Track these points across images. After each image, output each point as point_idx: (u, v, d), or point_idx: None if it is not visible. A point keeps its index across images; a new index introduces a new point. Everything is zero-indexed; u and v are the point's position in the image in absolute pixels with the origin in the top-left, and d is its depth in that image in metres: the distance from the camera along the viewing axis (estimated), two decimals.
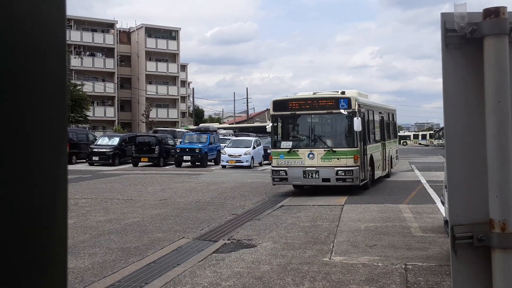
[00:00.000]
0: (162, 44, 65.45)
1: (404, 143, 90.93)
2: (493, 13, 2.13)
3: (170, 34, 67.29)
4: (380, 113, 20.01)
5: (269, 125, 17.61)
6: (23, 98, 0.72)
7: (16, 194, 0.71)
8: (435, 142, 77.36)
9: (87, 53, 61.09)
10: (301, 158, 15.71)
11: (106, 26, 63.90)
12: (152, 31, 66.00)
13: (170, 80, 66.80)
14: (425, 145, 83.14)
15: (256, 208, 13.45)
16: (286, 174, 15.85)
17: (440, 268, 7.23)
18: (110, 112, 61.54)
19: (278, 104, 16.50)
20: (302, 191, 17.05)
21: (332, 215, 11.89)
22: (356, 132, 15.14)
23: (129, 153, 31.80)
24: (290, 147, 15.92)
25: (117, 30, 64.43)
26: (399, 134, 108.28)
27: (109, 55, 62.34)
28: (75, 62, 53.98)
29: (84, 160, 32.60)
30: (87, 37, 60.96)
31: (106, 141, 32.68)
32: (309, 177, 15.58)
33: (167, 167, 30.51)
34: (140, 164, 31.20)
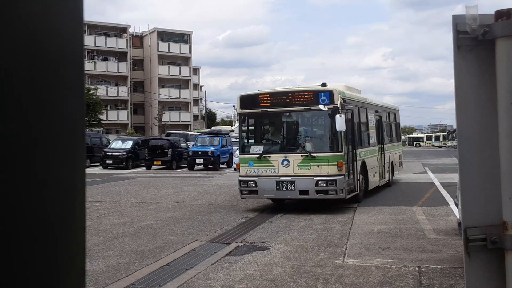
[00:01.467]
0: (174, 48, 65.74)
1: (417, 145, 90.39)
2: (505, 14, 2.13)
3: (182, 37, 67.58)
4: (377, 112, 17.26)
5: (235, 126, 15.46)
6: (42, 104, 0.74)
7: (35, 199, 0.73)
8: (449, 143, 76.75)
9: (101, 57, 61.56)
10: (273, 166, 12.85)
11: (119, 31, 64.37)
12: (165, 35, 66.33)
13: (182, 83, 67.06)
14: (439, 147, 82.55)
15: (268, 210, 13.45)
16: (256, 186, 12.93)
17: (454, 271, 7.18)
18: (124, 116, 61.92)
19: (247, 100, 13.63)
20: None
21: (345, 218, 11.85)
22: (340, 133, 12.40)
23: (142, 156, 31.98)
24: (261, 152, 13.03)
25: (130, 34, 64.87)
26: (412, 135, 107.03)
27: (122, 59, 62.77)
28: (88, 66, 54.43)
29: (98, 164, 32.84)
30: (100, 42, 61.47)
31: (120, 145, 32.90)
32: (284, 188, 12.67)
33: (180, 170, 30.62)
34: (153, 167, 31.36)
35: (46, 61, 0.74)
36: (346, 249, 8.70)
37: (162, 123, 52.13)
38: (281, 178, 12.73)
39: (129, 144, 32.67)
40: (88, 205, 14.48)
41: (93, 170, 30.06)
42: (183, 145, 33.88)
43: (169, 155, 31.15)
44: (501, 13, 2.15)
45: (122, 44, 63.05)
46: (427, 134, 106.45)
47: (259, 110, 13.34)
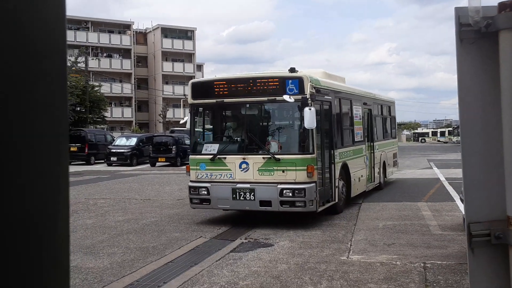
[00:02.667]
0: (178, 44, 65.76)
1: (423, 140, 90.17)
2: (509, 6, 2.09)
3: (186, 34, 67.57)
4: (365, 104, 14.82)
5: (185, 119, 12.21)
6: (23, 100, 0.72)
7: (17, 197, 0.71)
8: (454, 139, 76.55)
9: (104, 54, 61.65)
10: (230, 170, 10.58)
11: (122, 28, 64.41)
12: (168, 32, 66.34)
13: (186, 80, 66.96)
14: (444, 142, 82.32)
15: None
16: (208, 194, 10.71)
17: (459, 267, 7.15)
18: (128, 113, 62.01)
19: (199, 88, 11.32)
20: None
21: (349, 214, 11.82)
22: (312, 130, 10.10)
23: (146, 153, 32.03)
24: (215, 152, 10.73)
25: (133, 31, 64.90)
26: (417, 131, 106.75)
27: (126, 56, 62.84)
28: (92, 63, 54.46)
29: (103, 161, 32.91)
30: (104, 39, 61.52)
31: (124, 142, 32.96)
32: (241, 198, 10.38)
33: (184, 167, 30.61)
34: (158, 164, 31.39)
35: (25, 54, 0.72)
36: (351, 245, 8.67)
37: (166, 120, 52.17)
38: (239, 185, 10.41)
39: (133, 141, 32.73)
40: (93, 202, 14.55)
41: (98, 167, 30.13)
42: (187, 141, 33.88)
43: (173, 152, 31.19)
44: (504, 4, 2.11)
45: (126, 41, 63.10)
46: (432, 130, 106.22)
47: (213, 101, 10.94)
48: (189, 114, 11.76)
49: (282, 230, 10.01)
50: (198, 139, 11.76)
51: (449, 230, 9.66)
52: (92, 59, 54.63)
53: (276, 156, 10.23)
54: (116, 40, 62.55)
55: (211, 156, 10.73)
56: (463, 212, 9.51)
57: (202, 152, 11.01)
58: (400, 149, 51.28)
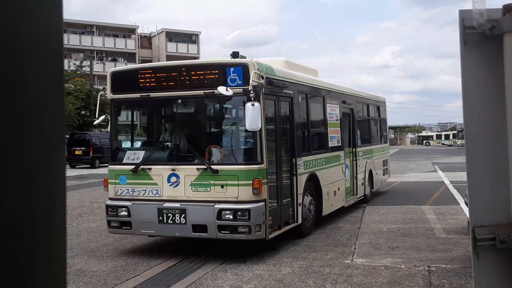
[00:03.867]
0: (182, 48, 65.91)
1: (427, 144, 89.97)
2: None
3: (191, 38, 67.73)
4: (345, 102, 12.35)
5: (100, 119, 10.34)
6: (19, 102, 0.72)
7: (13, 198, 0.71)
8: (459, 142, 76.33)
9: (109, 58, 61.85)
10: (156, 184, 8.32)
11: (127, 32, 64.65)
12: (173, 35, 66.52)
13: None
14: (449, 145, 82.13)
15: None
16: (129, 215, 8.41)
17: (464, 270, 7.11)
18: None
19: (121, 79, 9.04)
20: None
21: (354, 217, 11.79)
22: (259, 133, 7.86)
23: None
24: (138, 162, 8.53)
25: (138, 35, 65.12)
26: (421, 134, 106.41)
27: (131, 60, 63.02)
28: (97, 67, 54.65)
29: (108, 164, 32.91)
30: (109, 43, 61.76)
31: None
32: (169, 221, 8.11)
33: None
34: None
35: (20, 54, 0.72)
36: (355, 248, 8.65)
37: None
38: (166, 205, 8.15)
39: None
40: (97, 205, 14.56)
41: (103, 171, 30.15)
42: None
43: None
44: (509, 7, 2.10)
45: (130, 44, 63.32)
46: (436, 133, 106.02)
47: (138, 95, 8.64)
48: (109, 112, 9.40)
49: (285, 233, 9.98)
50: (120, 145, 9.69)
51: (453, 234, 9.62)
52: (97, 63, 54.85)
53: (213, 167, 7.88)
54: (121, 44, 62.78)
55: (133, 167, 8.41)
56: (468, 216, 9.45)
57: (124, 162, 8.72)
58: (404, 152, 51.03)
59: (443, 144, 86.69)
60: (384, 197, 15.19)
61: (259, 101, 7.66)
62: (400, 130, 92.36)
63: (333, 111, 11.58)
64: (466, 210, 10.73)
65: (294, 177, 9.00)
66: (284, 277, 7.00)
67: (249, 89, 7.61)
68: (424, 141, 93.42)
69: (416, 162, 35.16)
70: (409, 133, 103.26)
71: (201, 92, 8.14)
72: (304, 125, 10.04)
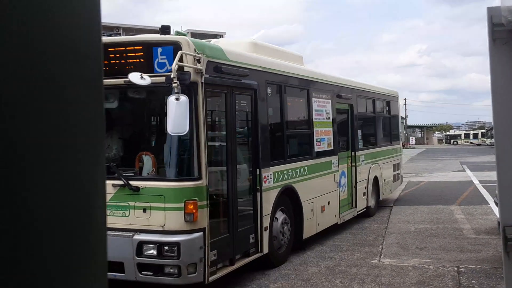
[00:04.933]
0: None
1: (455, 143, 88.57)
2: None
3: (215, 38, 68.11)
4: (340, 97, 10.24)
5: None
6: (61, 103, 0.75)
7: (54, 197, 0.75)
8: (488, 141, 74.93)
9: None
10: None
11: (153, 33, 65.29)
12: (198, 36, 66.81)
13: None
14: (477, 144, 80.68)
15: None
16: None
17: (494, 271, 7.00)
18: None
19: None
20: None
21: (380, 217, 11.70)
22: (197, 136, 5.89)
23: None
24: None
25: None
26: (449, 133, 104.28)
27: None
28: None
29: None
30: None
31: None
32: None
33: None
34: None
35: (62, 57, 0.75)
36: (382, 248, 8.59)
37: None
38: None
39: None
40: None
41: None
42: None
43: None
44: None
45: None
46: (464, 132, 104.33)
47: None
48: None
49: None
50: None
51: (483, 234, 9.47)
52: None
53: (132, 182, 5.94)
54: None
55: None
56: (498, 216, 9.33)
57: None
58: (431, 151, 50.35)
59: (471, 143, 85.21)
60: (411, 197, 15.02)
61: (190, 94, 5.68)
62: (427, 129, 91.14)
63: (322, 108, 9.40)
64: (496, 210, 10.55)
65: (258, 194, 6.96)
66: (310, 277, 7.00)
67: (172, 76, 5.48)
68: (452, 140, 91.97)
69: (444, 161, 34.67)
70: (436, 132, 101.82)
71: (121, 81, 5.93)
72: (275, 126, 8.03)
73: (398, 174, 14.46)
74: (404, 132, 78.83)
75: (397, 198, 14.67)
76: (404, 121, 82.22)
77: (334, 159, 9.73)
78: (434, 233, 9.65)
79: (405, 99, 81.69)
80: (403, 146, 57.59)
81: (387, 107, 13.96)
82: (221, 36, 69.98)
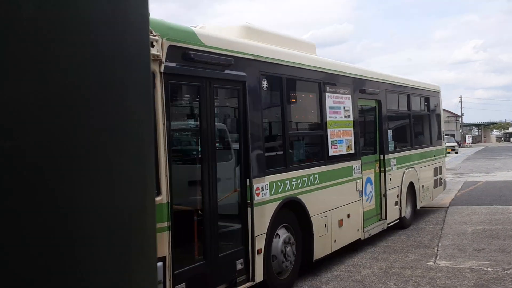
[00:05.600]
0: None
1: None
2: None
3: None
4: (363, 91, 8.92)
5: None
6: (111, 105, 0.79)
7: (106, 197, 0.78)
8: None
9: None
10: None
11: None
12: None
13: None
14: None
15: None
16: None
17: None
18: None
19: None
20: None
21: (436, 218, 11.41)
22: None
23: None
24: None
25: None
26: (508, 131, 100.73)
27: None
28: None
29: None
30: None
31: None
32: None
33: None
34: None
35: (115, 63, 0.79)
36: (437, 250, 8.37)
37: None
38: None
39: None
40: None
41: None
42: None
43: None
44: None
45: None
46: None
47: None
48: None
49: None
50: None
51: None
52: None
53: None
54: None
55: None
56: None
57: None
58: (489, 150, 48.76)
59: None
60: (468, 198, 14.56)
61: None
62: (485, 127, 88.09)
63: (340, 104, 8.06)
64: None
65: (248, 209, 5.72)
66: (363, 278, 6.91)
67: None
68: (511, 138, 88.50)
69: (503, 160, 33.40)
70: (494, 130, 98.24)
71: None
72: (274, 127, 6.96)
73: (440, 178, 12.89)
74: (460, 131, 76.56)
75: (453, 199, 14.26)
76: (460, 119, 79.84)
77: (355, 164, 8.35)
78: (493, 235, 9.32)
79: (460, 97, 79.32)
80: (459, 144, 55.85)
81: (425, 103, 12.33)
82: None
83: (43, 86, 0.70)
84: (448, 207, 12.86)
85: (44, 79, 0.70)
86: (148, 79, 0.84)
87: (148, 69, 0.84)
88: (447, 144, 44.82)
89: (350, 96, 8.38)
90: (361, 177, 8.51)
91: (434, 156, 12.39)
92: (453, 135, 61.83)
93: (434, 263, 7.58)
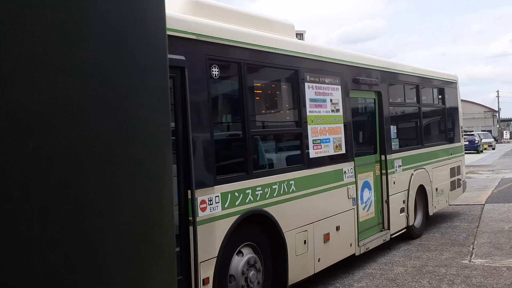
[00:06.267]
0: None
1: None
2: None
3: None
4: (356, 81, 7.59)
5: None
6: (130, 109, 0.81)
7: (125, 194, 0.80)
8: None
9: None
10: None
11: None
12: None
13: None
14: None
15: None
16: None
17: None
18: None
19: None
20: None
21: (471, 215, 11.18)
22: None
23: None
24: None
25: None
26: None
27: None
28: None
29: None
30: None
31: None
32: None
33: None
34: None
35: (134, 68, 0.81)
36: (473, 248, 8.21)
37: None
38: None
39: None
40: None
41: None
42: None
43: None
44: None
45: None
46: None
47: None
48: None
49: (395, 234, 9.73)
50: None
51: None
52: None
53: None
54: None
55: None
56: None
57: None
58: None
59: None
60: (505, 195, 14.22)
61: None
62: None
63: (326, 97, 6.75)
64: None
65: (191, 228, 4.58)
66: (396, 277, 6.83)
67: None
68: None
69: None
70: None
71: None
72: (231, 124, 5.89)
73: (459, 180, 11.32)
74: (497, 126, 74.65)
75: (489, 196, 13.95)
76: (497, 114, 77.84)
77: (347, 166, 7.00)
78: None
79: (497, 91, 77.35)
80: (496, 140, 54.45)
81: (439, 95, 10.82)
82: (301, 34, 69.74)
83: (70, 89, 0.73)
84: (484, 204, 12.59)
85: (70, 83, 0.73)
86: (166, 85, 0.87)
87: (166, 74, 0.87)
88: (484, 140, 43.82)
89: (339, 87, 7.02)
90: (355, 182, 7.14)
91: (451, 154, 10.91)
92: (489, 131, 60.39)
93: (470, 261, 7.44)
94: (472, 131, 46.94)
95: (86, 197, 0.72)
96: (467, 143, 38.62)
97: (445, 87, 10.93)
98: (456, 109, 11.59)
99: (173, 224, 0.88)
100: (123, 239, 0.78)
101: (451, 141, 11.09)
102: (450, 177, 10.80)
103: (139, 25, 0.81)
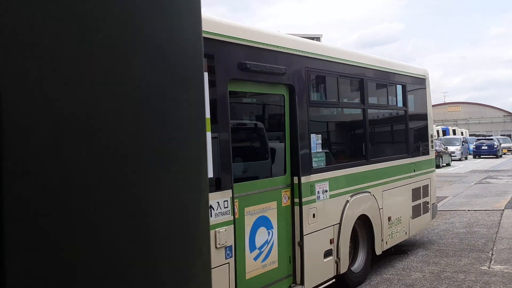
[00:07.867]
0: None
1: None
2: None
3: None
4: (244, 69, 4.87)
5: None
6: (173, 118, 0.85)
7: (167, 198, 0.83)
8: None
9: None
10: None
11: None
12: None
13: None
14: None
15: None
16: None
17: None
18: None
19: None
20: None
21: (490, 221, 11.06)
22: None
23: None
24: None
25: None
26: None
27: None
28: None
29: None
30: None
31: None
32: None
33: None
34: None
35: (168, 76, 0.85)
36: (492, 254, 8.12)
37: None
38: None
39: None
40: None
41: None
42: None
43: None
44: None
45: None
46: None
47: None
48: None
49: (415, 237, 9.65)
50: None
51: None
52: None
53: None
54: None
55: None
56: None
57: None
58: None
59: None
60: None
61: None
62: None
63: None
64: None
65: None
66: (414, 282, 6.79)
67: None
68: None
69: None
70: None
71: None
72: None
73: (426, 203, 8.79)
74: None
75: (508, 201, 13.79)
76: None
77: (220, 199, 4.52)
78: None
79: None
80: None
81: (401, 95, 8.27)
82: (317, 38, 69.71)
83: (122, 101, 0.78)
84: (503, 209, 12.45)
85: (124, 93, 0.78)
86: (203, 93, 0.91)
87: (202, 85, 0.91)
88: (504, 145, 43.20)
89: (204, 75, 3.22)
90: (233, 221, 4.66)
91: (414, 171, 8.41)
92: (509, 135, 59.65)
93: (489, 267, 7.36)
94: (491, 136, 46.39)
95: (132, 200, 0.77)
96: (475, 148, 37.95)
97: (407, 83, 8.39)
98: (424, 113, 9.07)
99: (209, 228, 0.91)
100: (165, 241, 0.82)
101: (415, 154, 8.57)
102: (413, 201, 8.33)
103: (177, 47, 0.86)
